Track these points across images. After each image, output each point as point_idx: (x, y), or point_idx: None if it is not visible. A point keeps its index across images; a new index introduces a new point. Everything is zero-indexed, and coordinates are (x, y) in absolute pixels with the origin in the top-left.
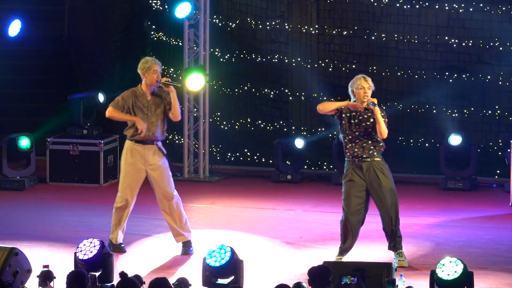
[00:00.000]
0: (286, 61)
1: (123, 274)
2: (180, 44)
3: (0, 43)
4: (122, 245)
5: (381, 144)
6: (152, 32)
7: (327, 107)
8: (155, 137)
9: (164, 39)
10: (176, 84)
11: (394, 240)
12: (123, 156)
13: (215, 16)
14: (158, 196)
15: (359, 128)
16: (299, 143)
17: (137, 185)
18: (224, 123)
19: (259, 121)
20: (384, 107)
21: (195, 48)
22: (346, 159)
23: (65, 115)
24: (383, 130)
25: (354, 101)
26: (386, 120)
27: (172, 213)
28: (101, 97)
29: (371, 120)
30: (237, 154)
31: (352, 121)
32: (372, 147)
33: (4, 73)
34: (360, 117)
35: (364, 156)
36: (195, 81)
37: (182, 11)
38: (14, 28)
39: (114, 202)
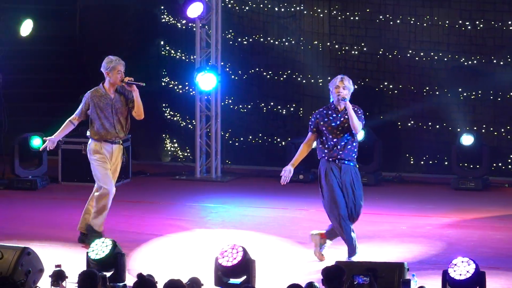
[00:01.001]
0: (298, 60)
1: (140, 276)
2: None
3: (12, 43)
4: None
5: (356, 147)
6: (165, 28)
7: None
8: (120, 135)
9: (177, 32)
10: (140, 84)
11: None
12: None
13: (229, 6)
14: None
15: (342, 130)
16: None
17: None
18: (238, 120)
19: (271, 119)
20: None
21: (206, 48)
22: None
23: None
24: (356, 124)
25: (332, 102)
26: (362, 117)
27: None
28: None
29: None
30: (250, 154)
31: (333, 124)
32: (353, 150)
33: (16, 72)
34: (342, 119)
35: (346, 158)
36: (207, 81)
37: (194, 11)
38: (26, 28)
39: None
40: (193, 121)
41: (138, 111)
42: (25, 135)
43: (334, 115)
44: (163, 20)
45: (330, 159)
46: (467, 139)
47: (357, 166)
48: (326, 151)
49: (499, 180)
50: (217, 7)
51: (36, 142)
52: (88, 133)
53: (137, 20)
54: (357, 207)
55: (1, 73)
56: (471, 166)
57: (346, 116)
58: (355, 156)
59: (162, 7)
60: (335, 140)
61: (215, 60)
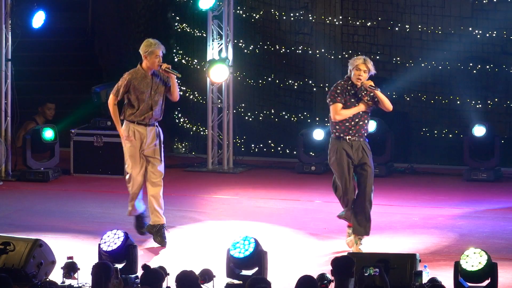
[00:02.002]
0: (310, 52)
1: (146, 267)
2: (204, 35)
3: (24, 35)
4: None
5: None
6: (176, 24)
7: (346, 114)
8: (157, 116)
9: (188, 30)
10: (176, 74)
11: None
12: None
13: (239, 8)
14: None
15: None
16: (319, 134)
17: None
18: (249, 114)
19: (283, 112)
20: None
21: (218, 39)
22: (334, 137)
23: (89, 107)
24: (387, 105)
25: (349, 77)
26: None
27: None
28: None
29: (366, 98)
30: (261, 145)
31: (352, 100)
32: (364, 126)
33: (28, 64)
34: (359, 95)
35: (358, 135)
36: (219, 73)
37: (206, 2)
38: (38, 19)
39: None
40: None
41: (174, 94)
42: (37, 127)
43: (353, 92)
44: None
45: (342, 136)
46: (479, 130)
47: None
48: (338, 127)
49: (511, 171)
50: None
51: (48, 134)
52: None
53: (148, 10)
54: (368, 180)
55: (13, 65)
56: (483, 157)
57: (363, 93)
58: (366, 133)
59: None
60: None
61: (226, 52)
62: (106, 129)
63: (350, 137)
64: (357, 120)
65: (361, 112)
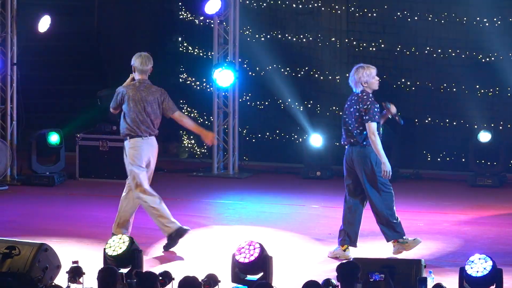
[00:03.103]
0: (316, 56)
1: (137, 273)
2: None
3: (30, 39)
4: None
5: None
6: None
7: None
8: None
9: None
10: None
11: None
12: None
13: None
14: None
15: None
16: (317, 140)
17: None
18: (255, 117)
19: (288, 115)
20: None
21: (224, 45)
22: (368, 147)
23: (95, 111)
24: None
25: (369, 92)
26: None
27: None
28: None
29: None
30: (267, 151)
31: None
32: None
33: (33, 69)
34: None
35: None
36: (225, 77)
37: (212, 7)
38: (44, 24)
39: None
40: (211, 117)
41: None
42: (43, 131)
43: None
44: (181, 16)
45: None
46: (484, 136)
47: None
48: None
49: None
50: (235, 3)
51: (53, 138)
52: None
53: (154, 15)
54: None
55: (19, 69)
56: (488, 163)
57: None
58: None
59: (180, 4)
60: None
61: (232, 56)
62: (112, 133)
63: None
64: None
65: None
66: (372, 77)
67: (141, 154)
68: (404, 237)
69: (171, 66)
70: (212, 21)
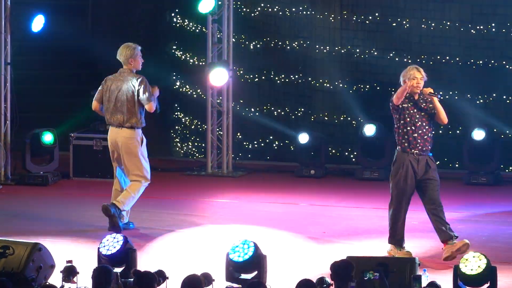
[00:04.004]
0: (310, 52)
1: (136, 272)
2: (204, 30)
3: (23, 39)
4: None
5: (432, 136)
6: (176, 23)
7: (400, 94)
8: None
9: (188, 28)
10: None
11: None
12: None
13: (239, 3)
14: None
15: (421, 118)
16: (303, 138)
17: None
18: (249, 114)
19: (282, 113)
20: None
21: (218, 44)
22: (400, 150)
23: (88, 111)
24: (443, 117)
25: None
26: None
27: None
28: None
29: (431, 110)
30: (261, 149)
31: (415, 109)
32: (430, 141)
33: (27, 68)
34: (422, 105)
35: (424, 149)
36: (219, 76)
37: (206, 6)
38: (38, 23)
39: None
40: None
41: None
42: (37, 131)
43: (411, 103)
44: (175, 20)
45: (407, 150)
46: (478, 134)
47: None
48: (404, 140)
49: (511, 175)
50: (228, 3)
51: (47, 137)
52: (136, 122)
53: (148, 15)
54: (436, 194)
55: (12, 69)
56: (483, 161)
57: (423, 106)
58: (430, 147)
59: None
60: (413, 127)
61: (226, 56)
62: (106, 133)
63: (417, 151)
64: (420, 132)
65: (426, 126)
66: (407, 77)
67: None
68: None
69: (165, 65)
70: (205, 26)
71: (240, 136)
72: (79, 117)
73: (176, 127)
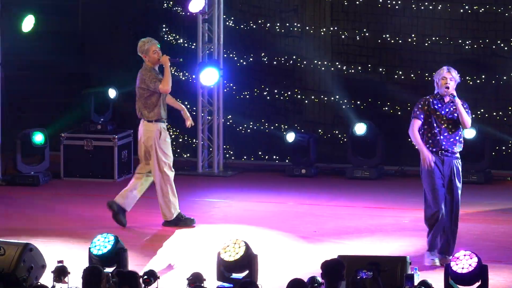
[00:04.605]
0: (299, 56)
1: (118, 272)
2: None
3: (14, 38)
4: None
5: (461, 140)
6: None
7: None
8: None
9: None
10: (178, 60)
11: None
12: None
13: (227, 19)
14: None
15: (447, 120)
16: (290, 137)
17: None
18: (239, 113)
19: (273, 113)
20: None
21: (208, 43)
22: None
23: (79, 111)
24: (466, 120)
25: (437, 92)
26: (469, 112)
27: None
28: (112, 93)
29: (455, 113)
30: (252, 148)
31: (438, 113)
32: (456, 142)
33: (17, 69)
34: (447, 109)
35: (449, 150)
36: (209, 76)
37: (196, 6)
38: (28, 23)
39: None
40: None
41: (165, 84)
42: (27, 131)
43: (439, 105)
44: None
45: (433, 150)
46: (468, 133)
47: (459, 158)
48: (430, 141)
49: (501, 173)
50: (218, 2)
51: (38, 138)
52: (150, 115)
53: (139, 14)
54: (455, 202)
55: (3, 69)
56: (473, 159)
57: (452, 109)
58: (458, 150)
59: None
60: (438, 129)
61: (217, 55)
62: (96, 132)
63: (441, 151)
64: (446, 134)
65: (452, 128)
66: (438, 77)
67: None
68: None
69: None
70: (196, 19)
71: (230, 136)
72: (70, 117)
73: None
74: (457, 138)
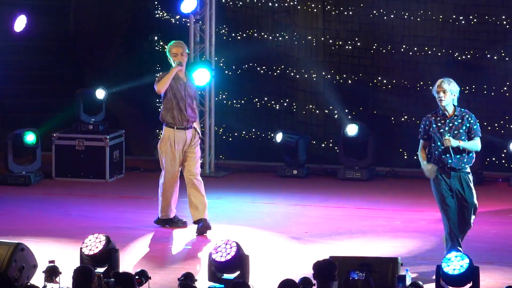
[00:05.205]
0: (292, 55)
1: (115, 273)
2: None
3: (5, 39)
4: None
5: (471, 154)
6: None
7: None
8: (192, 118)
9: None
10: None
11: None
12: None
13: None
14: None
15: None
16: (279, 137)
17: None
18: (231, 114)
19: (265, 113)
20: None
21: (200, 43)
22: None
23: (71, 111)
24: (474, 149)
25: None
26: (477, 126)
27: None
28: (100, 93)
29: (463, 128)
30: (244, 149)
31: (441, 130)
32: (463, 158)
33: (10, 68)
34: (451, 125)
35: (456, 168)
36: (201, 76)
37: (188, 6)
38: (20, 23)
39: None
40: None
41: (157, 83)
42: (19, 131)
43: (442, 121)
44: (157, 15)
45: (440, 166)
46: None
47: (469, 173)
48: (437, 158)
49: (492, 174)
50: (211, 2)
51: (30, 138)
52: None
53: (131, 15)
54: (467, 215)
55: None
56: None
57: (456, 123)
58: (468, 165)
59: (156, 2)
60: (443, 148)
61: (209, 55)
62: (88, 132)
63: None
64: (452, 152)
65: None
66: (434, 92)
67: None
68: None
69: (147, 65)
70: (188, 20)
71: (223, 137)
72: (62, 117)
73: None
74: (465, 154)
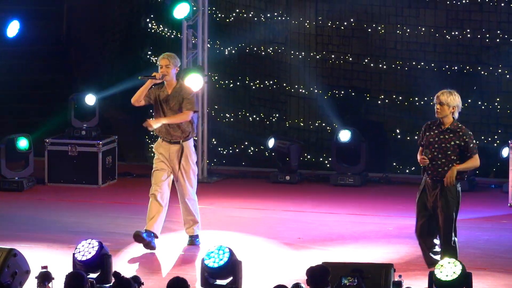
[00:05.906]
0: (284, 63)
1: (116, 274)
2: (179, 36)
3: None
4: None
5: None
6: (151, 29)
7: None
8: (176, 133)
9: (163, 34)
10: (149, 76)
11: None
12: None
13: (214, 9)
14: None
15: (437, 148)
16: (271, 142)
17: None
18: (224, 120)
19: (257, 119)
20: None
21: (193, 49)
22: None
23: (63, 116)
24: (471, 169)
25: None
26: (473, 144)
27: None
28: (90, 99)
29: (451, 143)
30: (236, 154)
31: (431, 139)
32: (444, 173)
33: (2, 73)
34: (441, 136)
35: (435, 179)
36: (194, 82)
37: (181, 12)
38: (13, 28)
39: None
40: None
41: (135, 96)
42: (11, 136)
43: (436, 131)
44: (150, 27)
45: (428, 172)
46: None
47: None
48: (428, 164)
49: (485, 181)
50: (204, 9)
51: (22, 143)
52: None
53: (123, 20)
54: (443, 229)
55: None
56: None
57: (447, 136)
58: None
59: (148, 9)
60: (430, 156)
61: (201, 61)
62: (81, 138)
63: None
64: (434, 163)
65: (442, 158)
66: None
67: None
68: None
69: (140, 70)
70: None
71: (215, 142)
72: (54, 122)
73: (151, 133)
74: (446, 169)
